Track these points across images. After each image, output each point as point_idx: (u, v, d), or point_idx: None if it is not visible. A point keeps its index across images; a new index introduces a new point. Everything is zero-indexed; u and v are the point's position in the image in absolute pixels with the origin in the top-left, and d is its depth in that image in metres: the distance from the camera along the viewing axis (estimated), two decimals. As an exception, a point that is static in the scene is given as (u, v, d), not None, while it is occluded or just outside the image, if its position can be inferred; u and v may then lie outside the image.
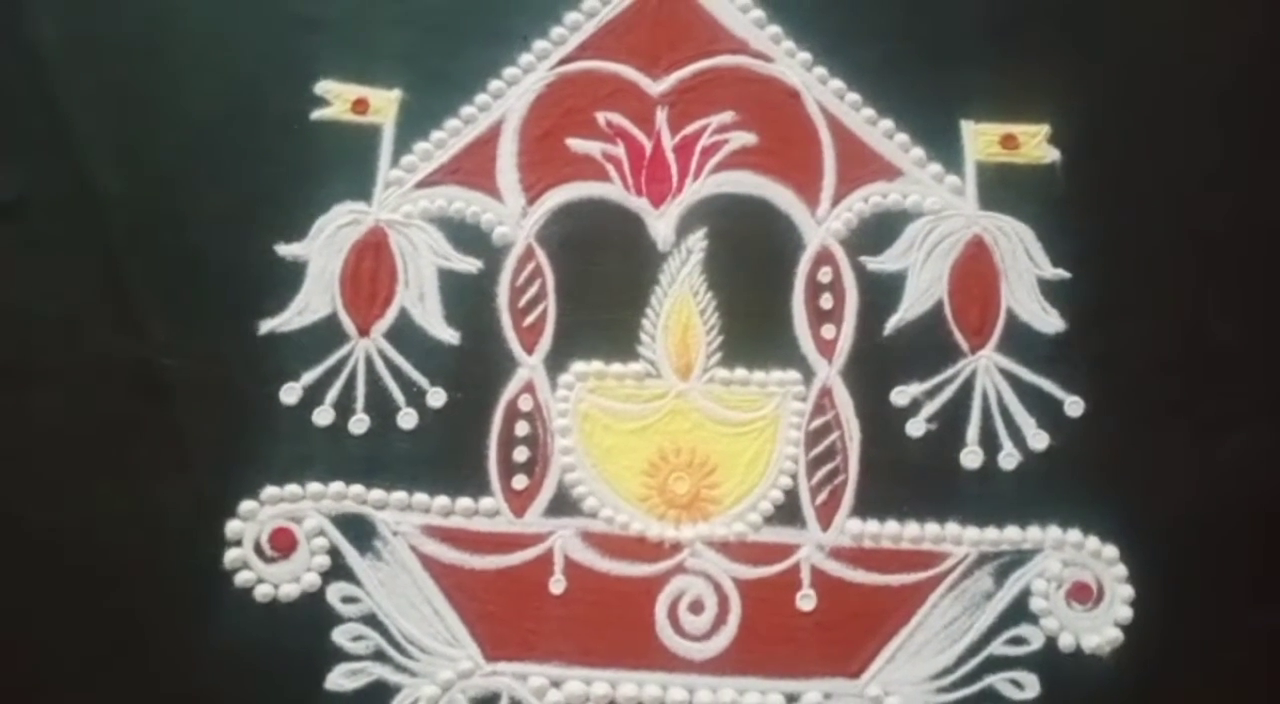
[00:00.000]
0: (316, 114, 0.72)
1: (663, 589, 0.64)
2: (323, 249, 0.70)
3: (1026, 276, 0.70)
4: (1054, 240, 0.71)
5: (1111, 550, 0.65)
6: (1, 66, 0.73)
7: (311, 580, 0.64)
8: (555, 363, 0.68)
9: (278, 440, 0.66)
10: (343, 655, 0.62)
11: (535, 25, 0.75)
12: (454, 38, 0.74)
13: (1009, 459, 0.67)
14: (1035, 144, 0.73)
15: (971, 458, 0.67)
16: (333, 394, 0.67)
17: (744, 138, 0.73)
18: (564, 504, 0.66)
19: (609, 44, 0.75)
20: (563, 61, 0.74)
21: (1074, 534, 0.65)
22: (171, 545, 0.64)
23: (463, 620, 0.64)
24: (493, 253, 0.70)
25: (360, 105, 0.72)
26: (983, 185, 0.72)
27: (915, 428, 0.67)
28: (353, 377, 0.68)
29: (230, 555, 0.64)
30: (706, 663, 0.63)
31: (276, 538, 0.64)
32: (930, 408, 0.68)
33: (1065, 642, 0.63)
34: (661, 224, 0.71)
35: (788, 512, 0.66)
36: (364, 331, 0.69)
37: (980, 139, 0.73)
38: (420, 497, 0.66)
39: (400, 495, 0.66)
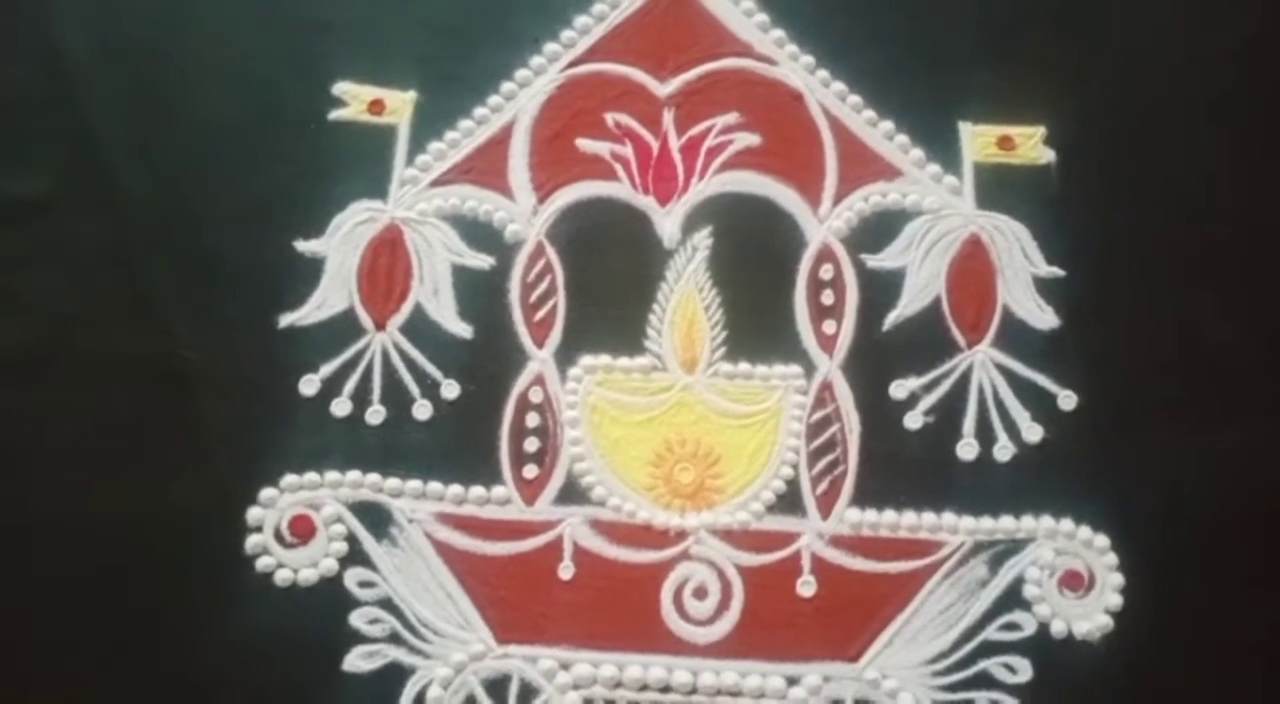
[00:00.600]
0: (334, 115, 0.73)
1: (668, 575, 0.65)
2: (340, 246, 0.70)
3: (1022, 274, 0.71)
4: (1049, 239, 0.71)
5: (1102, 540, 0.65)
6: (28, 71, 0.74)
7: (329, 566, 0.64)
8: (565, 356, 0.69)
9: (297, 431, 0.67)
10: (360, 638, 0.63)
11: (546, 29, 0.75)
12: (467, 41, 0.75)
13: (1004, 451, 0.67)
14: (1031, 145, 0.73)
15: (967, 450, 0.67)
16: (350, 386, 0.68)
17: (748, 139, 0.73)
18: (573, 493, 0.66)
19: (617, 47, 0.75)
20: (572, 64, 0.75)
21: (1066, 524, 0.66)
22: (195, 532, 0.64)
23: (475, 605, 0.64)
24: (504, 249, 0.71)
25: (376, 106, 0.73)
26: (980, 185, 0.73)
27: (913, 420, 0.68)
28: (369, 369, 0.68)
29: (251, 541, 0.65)
30: (710, 646, 0.64)
31: (296, 524, 0.65)
32: (928, 401, 0.68)
33: (1057, 628, 0.64)
34: (668, 222, 0.72)
35: (789, 501, 0.66)
36: (380, 326, 0.69)
37: (978, 140, 0.73)
38: (434, 485, 0.66)
39: (415, 484, 0.66)
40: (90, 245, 0.70)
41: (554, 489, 0.67)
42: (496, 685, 0.63)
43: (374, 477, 0.66)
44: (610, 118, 0.74)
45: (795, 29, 0.75)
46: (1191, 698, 0.63)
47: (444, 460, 0.67)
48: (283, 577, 0.64)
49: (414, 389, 0.68)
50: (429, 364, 0.69)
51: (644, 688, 0.63)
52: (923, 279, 0.71)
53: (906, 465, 0.67)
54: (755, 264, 0.71)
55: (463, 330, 0.69)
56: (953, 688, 0.63)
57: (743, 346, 0.70)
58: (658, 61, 0.75)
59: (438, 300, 0.70)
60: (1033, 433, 0.68)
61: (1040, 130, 0.73)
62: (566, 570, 0.65)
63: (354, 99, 0.73)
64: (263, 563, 0.64)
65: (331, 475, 0.66)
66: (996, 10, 0.76)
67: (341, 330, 0.69)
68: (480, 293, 0.70)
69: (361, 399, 0.68)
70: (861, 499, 0.67)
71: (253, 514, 0.65)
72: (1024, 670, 0.63)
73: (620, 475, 0.67)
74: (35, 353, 0.68)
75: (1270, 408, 0.68)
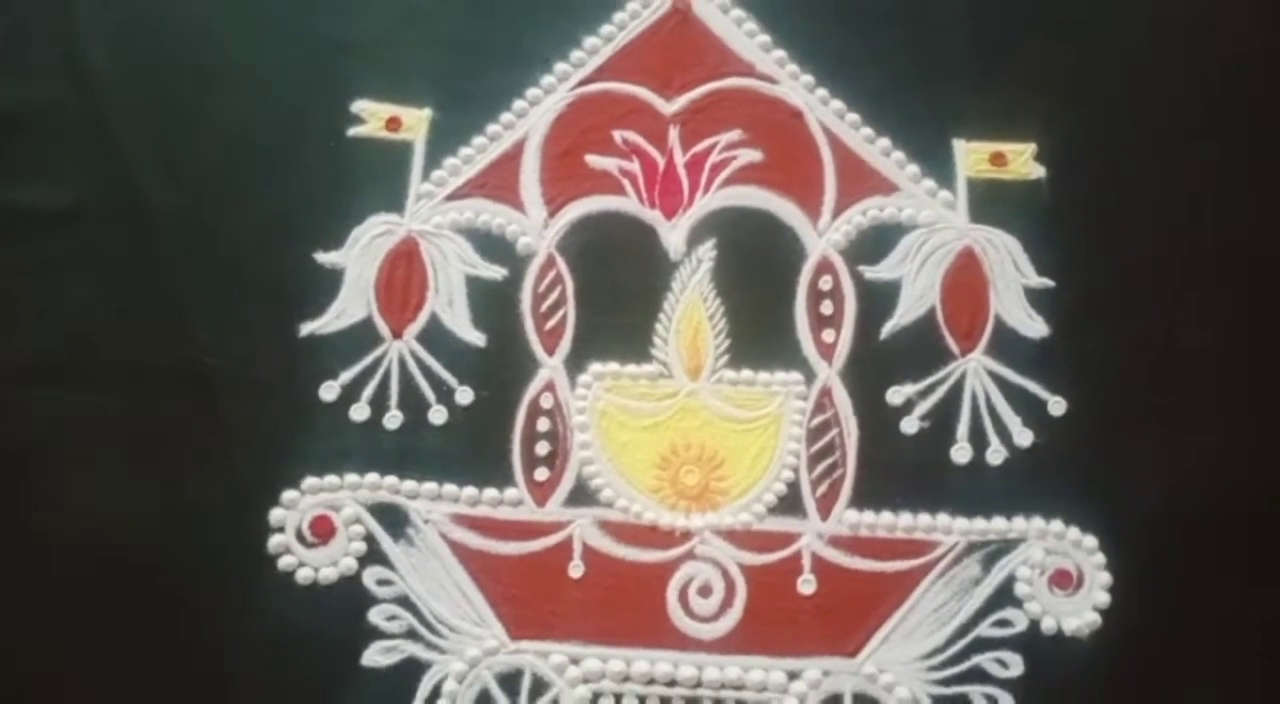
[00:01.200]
0: (352, 131, 0.74)
1: (674, 574, 0.66)
2: (359, 257, 0.71)
3: (1013, 285, 0.71)
4: (1039, 251, 0.72)
5: (1091, 540, 0.66)
6: (55, 86, 0.74)
7: (349, 565, 0.65)
8: (574, 364, 0.70)
9: (317, 435, 0.68)
10: (378, 634, 0.64)
11: (557, 49, 0.76)
12: (481, 60, 0.76)
13: (996, 455, 0.68)
14: (1022, 161, 0.74)
15: (961, 454, 0.68)
16: (368, 392, 0.69)
17: (751, 155, 0.74)
18: (582, 495, 0.67)
19: (625, 66, 0.76)
20: (582, 83, 0.76)
21: (1056, 525, 0.66)
22: (219, 532, 0.65)
23: (488, 602, 0.65)
24: (516, 261, 0.72)
25: (393, 123, 0.74)
26: (973, 200, 0.73)
27: (909, 425, 0.69)
28: (387, 376, 0.69)
29: (273, 541, 0.65)
30: (714, 642, 0.64)
31: (316, 525, 0.66)
32: (923, 407, 0.69)
33: (1047, 625, 0.64)
34: (673, 235, 0.73)
35: (790, 503, 0.67)
36: (397, 334, 0.70)
37: (971, 156, 0.74)
38: (450, 487, 0.67)
39: (431, 486, 0.67)
40: (117, 255, 0.71)
41: (564, 491, 0.67)
42: (509, 680, 0.64)
43: (391, 479, 0.67)
44: (618, 135, 0.75)
45: (796, 49, 0.76)
46: (1175, 690, 0.64)
47: (458, 463, 0.68)
48: (304, 575, 0.65)
49: (430, 395, 0.69)
50: (444, 371, 0.69)
51: (651, 682, 0.64)
52: (918, 290, 0.72)
53: (903, 469, 0.68)
54: (757, 275, 0.72)
55: (476, 339, 0.70)
56: (947, 682, 0.64)
57: (745, 354, 0.70)
58: (664, 81, 0.76)
59: (452, 310, 0.71)
60: (1024, 437, 0.68)
61: (1031, 147, 0.74)
62: (576, 569, 0.66)
63: (372, 116, 0.74)
64: (285, 562, 0.65)
65: (351, 478, 0.67)
66: (989, 32, 0.77)
67: (360, 339, 0.70)
68: (493, 303, 0.71)
69: (379, 405, 0.69)
70: (860, 501, 0.67)
71: (275, 515, 0.66)
72: (1015, 665, 0.64)
73: (628, 478, 0.68)
74: (63, 358, 0.69)
75: (1250, 412, 0.69)
